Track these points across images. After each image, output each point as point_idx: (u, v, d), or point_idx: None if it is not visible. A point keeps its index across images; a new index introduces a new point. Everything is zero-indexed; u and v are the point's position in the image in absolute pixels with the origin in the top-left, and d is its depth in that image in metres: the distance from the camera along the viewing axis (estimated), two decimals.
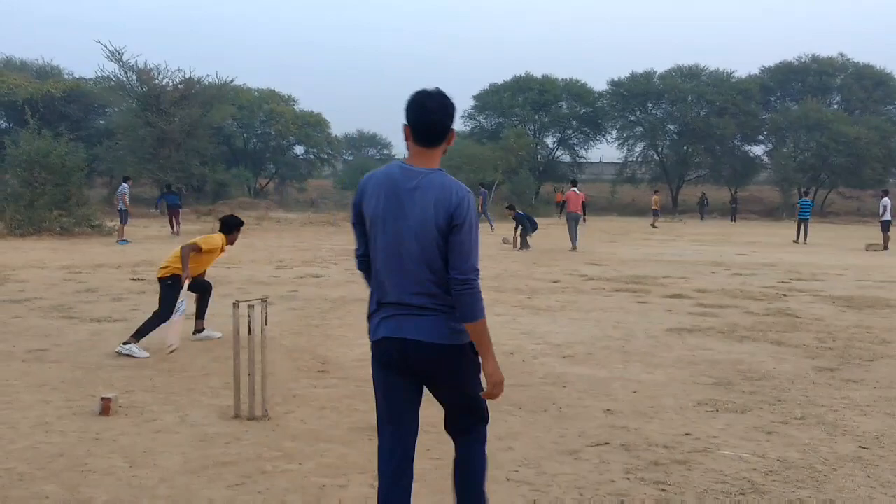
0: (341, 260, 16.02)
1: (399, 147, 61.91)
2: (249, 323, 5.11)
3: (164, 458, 4.38)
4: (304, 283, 12.26)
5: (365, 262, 3.00)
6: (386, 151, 64.97)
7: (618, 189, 49.90)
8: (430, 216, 2.80)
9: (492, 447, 4.46)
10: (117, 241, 19.42)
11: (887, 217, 22.04)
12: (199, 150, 35.69)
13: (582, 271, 14.23)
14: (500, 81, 53.85)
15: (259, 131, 49.26)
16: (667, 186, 48.05)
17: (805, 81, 51.09)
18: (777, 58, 57.86)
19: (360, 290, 11.34)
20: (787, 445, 4.72)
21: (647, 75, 50.71)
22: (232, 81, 37.49)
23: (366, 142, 65.89)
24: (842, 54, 51.86)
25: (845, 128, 43.88)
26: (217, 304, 9.74)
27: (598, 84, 53.12)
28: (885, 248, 21.45)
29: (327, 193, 47.05)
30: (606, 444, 4.73)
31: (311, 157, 51.72)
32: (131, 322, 8.54)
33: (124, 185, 20.92)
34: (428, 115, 2.87)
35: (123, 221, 20.06)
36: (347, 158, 56.77)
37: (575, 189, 20.88)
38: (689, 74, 50.54)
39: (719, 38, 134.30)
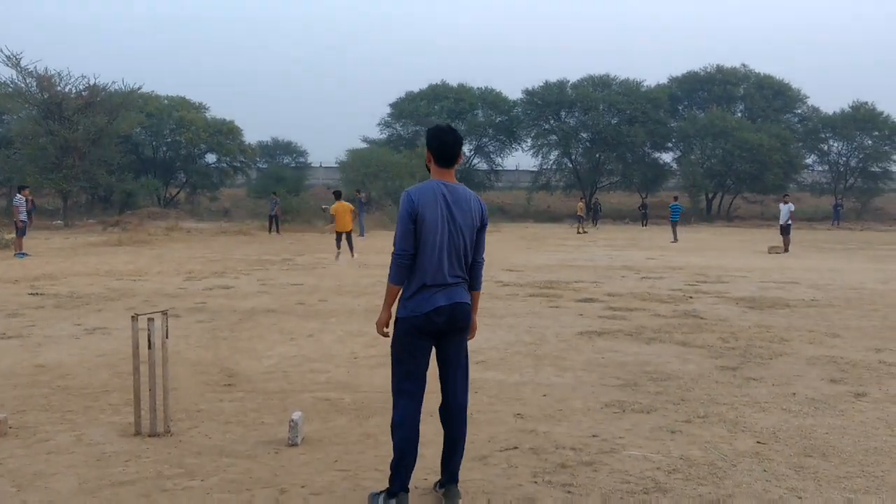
0: (253, 270, 15.74)
1: (316, 155, 61.50)
2: (149, 336, 4.94)
3: (56, 481, 4.17)
4: (212, 294, 11.96)
5: (411, 258, 3.77)
6: (301, 159, 64.11)
7: (533, 196, 50.60)
8: (472, 219, 3.86)
9: None
10: (14, 255, 18.57)
11: (788, 221, 23.02)
12: (105, 159, 34.54)
13: (497, 277, 14.34)
14: (416, 89, 54.09)
15: (169, 139, 47.94)
16: (580, 193, 48.99)
17: (711, 91, 53.06)
18: (684, 68, 59.79)
19: (271, 301, 11.25)
20: (690, 444, 4.83)
21: (561, 84, 51.72)
22: (139, 88, 36.42)
23: (280, 149, 64.81)
24: (744, 65, 54.31)
25: (749, 135, 45.75)
26: (118, 318, 9.44)
27: (513, 93, 53.94)
28: (786, 250, 22.37)
29: (240, 202, 46.15)
30: (515, 448, 4.75)
31: (224, 165, 50.62)
32: (28, 339, 8.18)
33: (19, 195, 20.02)
34: (446, 145, 3.88)
35: (20, 234, 19.19)
36: (262, 167, 55.71)
37: None
38: (601, 83, 51.78)
39: (629, 48, 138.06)
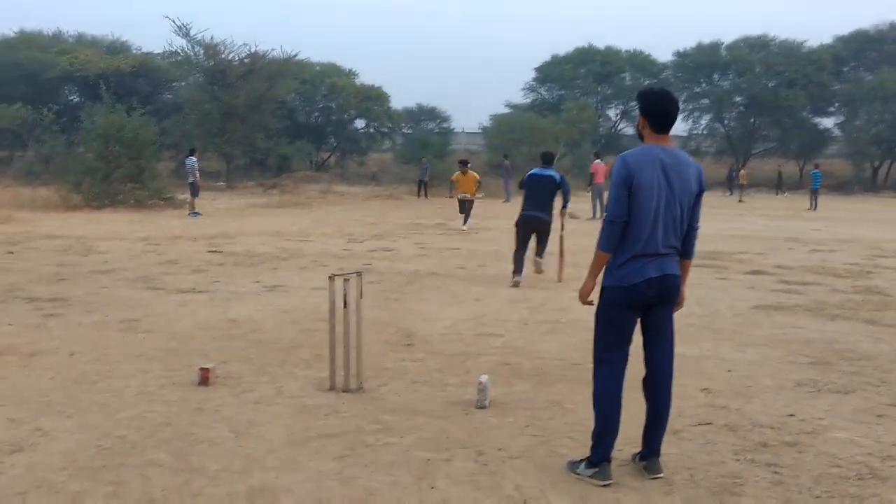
0: (410, 234, 16.08)
1: (458, 121, 61.70)
2: (345, 296, 5.13)
3: (267, 430, 4.43)
4: (376, 256, 12.32)
5: (624, 225, 3.65)
6: (445, 125, 64.56)
7: None
8: (690, 185, 3.70)
9: (590, 424, 4.41)
10: (188, 214, 19.79)
11: None
12: (263, 124, 36.08)
13: None
14: (561, 53, 53.20)
15: (321, 105, 49.45)
16: (733, 160, 46.91)
17: (882, 50, 49.11)
18: (853, 26, 55.45)
19: (433, 264, 11.45)
20: None
21: (714, 46, 49.49)
22: (296, 56, 37.66)
23: (425, 115, 65.59)
24: None
25: None
26: (293, 276, 9.89)
27: (664, 55, 52.11)
28: None
29: (387, 167, 47.20)
30: (709, 423, 4.63)
31: (372, 130, 51.84)
32: (215, 294, 8.71)
33: (191, 157, 21.25)
34: (667, 111, 3.74)
35: (194, 194, 20.40)
36: (406, 132, 56.62)
37: (599, 161, 22.37)
38: (758, 45, 49.13)
39: (791, 7, 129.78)
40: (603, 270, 3.81)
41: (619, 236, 3.67)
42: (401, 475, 3.82)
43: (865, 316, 7.87)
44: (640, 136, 3.82)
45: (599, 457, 3.77)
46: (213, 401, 4.93)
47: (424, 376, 5.59)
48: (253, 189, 32.67)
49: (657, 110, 3.74)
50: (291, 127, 46.09)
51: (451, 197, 17.69)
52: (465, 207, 17.61)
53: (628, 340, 3.82)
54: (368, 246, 13.72)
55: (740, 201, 32.28)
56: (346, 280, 5.15)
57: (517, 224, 10.00)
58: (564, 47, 62.39)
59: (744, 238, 16.25)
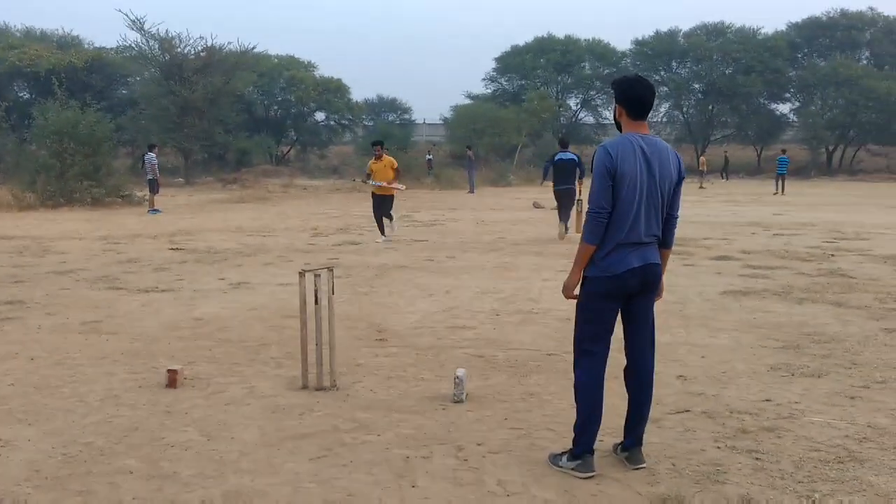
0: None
1: (419, 112, 61.46)
2: (316, 292, 5.02)
3: (240, 431, 4.31)
4: (342, 250, 12.18)
5: (609, 216, 3.59)
6: (406, 116, 64.28)
7: None
8: (671, 172, 3.68)
9: (569, 415, 4.38)
10: (148, 211, 19.42)
11: None
12: (221, 118, 35.56)
13: None
14: (521, 43, 53.22)
15: (280, 98, 48.94)
16: (692, 147, 47.42)
17: (833, 37, 49.95)
18: (805, 13, 56.37)
19: (401, 257, 11.34)
20: (874, 410, 4.58)
21: (672, 34, 49.94)
22: (253, 48, 37.15)
23: (385, 107, 65.20)
24: (871, 8, 50.64)
25: (875, 83, 43.00)
26: (258, 273, 9.73)
27: (622, 44, 52.40)
28: None
29: (349, 160, 46.85)
30: (687, 411, 4.62)
31: (332, 123, 51.44)
32: (179, 292, 8.51)
33: (150, 154, 20.83)
34: (642, 96, 3.69)
35: (154, 191, 20.02)
36: (367, 124, 56.23)
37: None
38: (715, 32, 49.69)
39: None
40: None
41: (604, 227, 3.61)
42: (380, 474, 3.73)
43: (832, 298, 7.95)
44: (618, 126, 3.75)
45: (582, 448, 3.73)
46: (182, 403, 4.79)
47: (398, 371, 5.50)
48: (212, 184, 32.23)
49: (633, 96, 3.68)
50: (250, 121, 45.51)
51: (364, 181, 13.66)
52: (382, 203, 13.32)
53: (610, 331, 3.77)
54: (334, 240, 13.57)
55: (701, 187, 32.65)
56: (316, 275, 5.04)
57: (557, 194, 13.57)
58: (524, 37, 62.59)
59: (707, 224, 16.38)
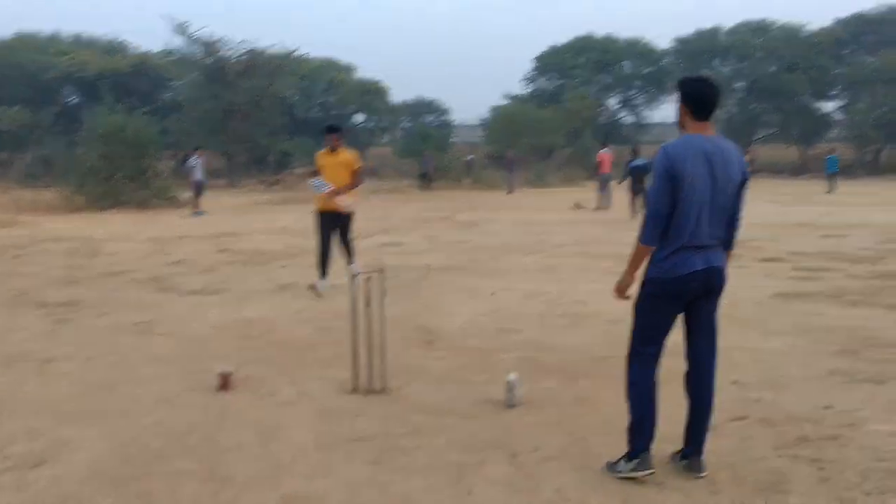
0: (417, 227, 15.96)
1: (458, 113, 61.47)
2: (368, 294, 5.02)
3: (294, 434, 4.33)
4: (385, 251, 12.21)
5: (667, 218, 3.57)
6: (444, 118, 64.32)
7: None
8: (734, 174, 3.61)
9: (623, 420, 4.32)
10: (191, 213, 19.66)
11: None
12: (265, 121, 35.92)
13: None
14: (560, 43, 52.95)
15: (320, 100, 49.34)
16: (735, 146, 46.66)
17: (881, 32, 48.76)
18: (852, 9, 55.16)
19: (444, 258, 11.32)
20: None
21: (714, 31, 49.23)
22: (295, 52, 37.48)
23: (424, 108, 65.38)
24: None
25: None
26: (305, 274, 9.78)
27: (663, 42, 51.90)
28: None
29: (387, 161, 47.04)
30: (745, 418, 4.53)
31: (372, 125, 51.70)
32: (227, 294, 8.60)
33: (194, 157, 21.11)
34: (706, 95, 3.64)
35: (198, 193, 20.27)
36: (406, 126, 56.43)
37: (605, 149, 22.42)
38: (758, 29, 48.83)
39: None
40: (646, 263, 3.71)
41: (661, 229, 3.59)
42: (435, 480, 3.72)
43: (887, 302, 7.75)
44: (682, 126, 3.70)
45: (637, 449, 3.69)
46: (235, 405, 4.82)
47: (448, 374, 5.49)
48: (255, 186, 32.55)
49: (697, 96, 3.64)
50: (291, 123, 45.93)
51: (310, 177, 9.08)
52: (332, 223, 8.68)
53: (665, 333, 3.74)
54: (377, 241, 13.61)
55: None
56: (367, 278, 5.04)
57: (633, 191, 17.59)
58: (563, 37, 62.31)
59: (754, 224, 16.04)
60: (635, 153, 18.50)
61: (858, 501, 3.44)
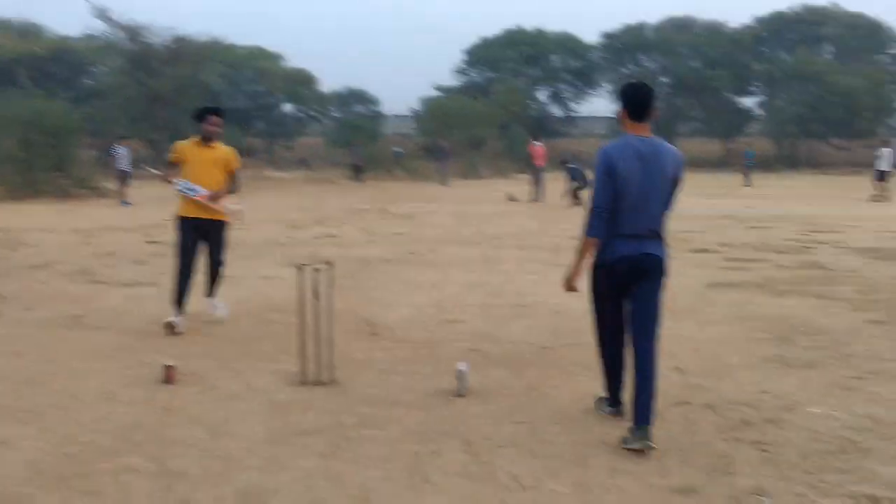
0: (351, 219, 15.85)
1: (388, 104, 61.14)
2: (315, 286, 4.97)
3: (243, 428, 4.26)
4: (322, 243, 12.09)
5: (609, 212, 3.95)
6: (375, 108, 63.95)
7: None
8: (666, 172, 3.99)
9: (572, 408, 4.44)
10: (120, 203, 19.11)
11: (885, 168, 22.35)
12: (190, 109, 35.02)
13: None
14: (490, 36, 53.24)
15: (247, 89, 48.45)
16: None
17: (798, 31, 50.66)
18: (770, 7, 57.08)
19: (382, 250, 11.28)
20: (870, 401, 4.65)
21: (640, 27, 50.27)
22: (222, 39, 36.73)
23: (354, 99, 64.87)
24: (834, 3, 51.31)
25: (838, 78, 43.72)
26: (240, 266, 9.62)
27: (591, 37, 52.69)
28: (887, 199, 21.49)
29: (317, 151, 46.55)
30: (688, 403, 4.66)
31: (300, 115, 51.05)
32: (162, 286, 8.37)
33: (119, 145, 20.49)
34: (640, 99, 4.02)
35: (124, 183, 19.69)
36: (335, 116, 55.90)
37: (537, 143, 22.70)
38: (682, 26, 50.15)
39: None
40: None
41: (604, 222, 3.97)
42: (392, 470, 3.71)
43: (814, 290, 8.07)
44: (622, 127, 4.07)
45: (612, 400, 4.45)
46: (181, 399, 4.72)
47: (396, 366, 5.48)
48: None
49: (630, 98, 4.04)
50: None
51: (166, 179, 6.90)
52: (204, 235, 6.75)
53: (617, 314, 4.19)
54: (312, 232, 13.47)
55: None
56: (315, 270, 4.99)
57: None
58: (493, 29, 62.63)
59: (680, 217, 16.43)
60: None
61: (799, 480, 3.58)
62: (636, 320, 4.07)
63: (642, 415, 3.94)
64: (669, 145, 4.06)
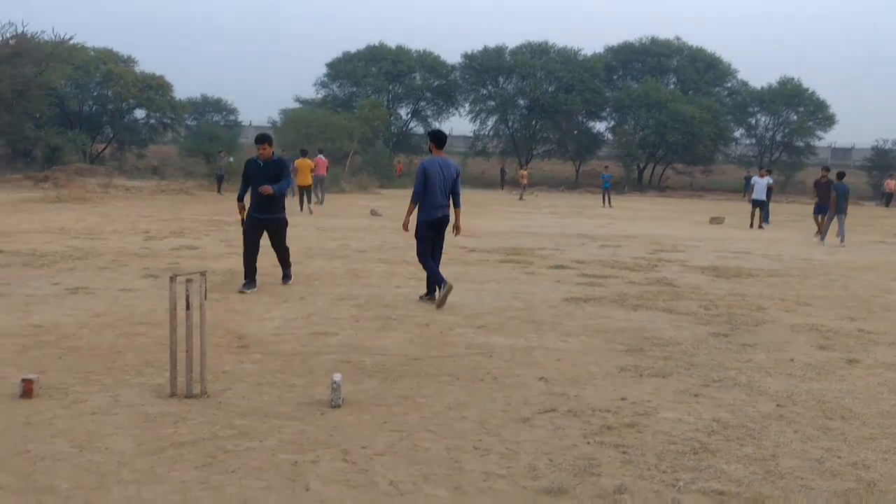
0: (211, 230, 15.46)
1: (244, 113, 59.96)
2: (188, 297, 4.90)
3: (113, 441, 4.13)
4: (181, 255, 11.75)
5: (422, 194, 8.27)
6: (231, 117, 62.49)
7: (467, 161, 50.63)
8: (452, 174, 8.41)
9: (445, 416, 4.61)
10: None
11: (759, 197, 21.88)
12: (31, 111, 33.08)
13: (460, 243, 14.41)
14: (353, 50, 53.31)
15: (95, 93, 46.16)
16: (516, 160, 49.47)
17: (645, 62, 53.82)
18: (619, 38, 60.43)
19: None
20: (716, 406, 5.08)
21: (499, 50, 51.80)
22: (70, 39, 34.84)
23: (210, 107, 63.07)
24: (678, 37, 55.00)
25: (681, 107, 46.79)
26: (94, 277, 9.23)
27: (452, 57, 53.74)
28: (760, 226, 21.54)
29: (170, 160, 44.93)
30: (553, 410, 4.91)
31: (153, 121, 49.11)
32: (10, 297, 7.95)
33: None
34: (441, 139, 8.52)
35: None
36: (190, 124, 54.14)
37: (321, 155, 26.67)
38: (539, 51, 52.06)
39: (566, 18, 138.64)
40: (416, 214, 8.36)
41: (420, 198, 8.26)
42: (271, 479, 3.72)
43: (662, 305, 8.65)
44: (430, 151, 8.47)
45: (433, 288, 8.36)
46: (43, 413, 4.51)
47: (267, 378, 5.45)
48: (21, 182, 29.81)
49: (436, 138, 8.51)
50: (61, 116, 42.64)
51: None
52: (307, 193, 23.27)
53: (430, 246, 8.45)
54: (170, 244, 13.04)
55: (520, 199, 34.17)
56: (189, 281, 4.91)
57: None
58: (356, 44, 62.66)
59: (538, 235, 17.19)
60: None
61: (656, 478, 3.87)
62: (436, 251, 8.51)
63: (440, 283, 8.17)
64: (453, 161, 8.61)
